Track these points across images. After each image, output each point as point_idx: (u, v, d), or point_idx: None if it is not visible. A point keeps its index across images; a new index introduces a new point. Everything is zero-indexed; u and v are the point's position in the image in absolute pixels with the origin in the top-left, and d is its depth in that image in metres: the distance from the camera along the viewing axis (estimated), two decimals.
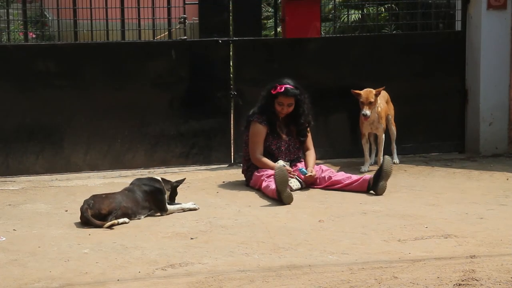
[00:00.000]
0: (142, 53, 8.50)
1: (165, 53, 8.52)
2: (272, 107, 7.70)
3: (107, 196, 6.53)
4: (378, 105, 8.26)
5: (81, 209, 6.40)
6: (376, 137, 8.53)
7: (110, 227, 6.25)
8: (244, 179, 7.86)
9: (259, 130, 7.71)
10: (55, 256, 5.60)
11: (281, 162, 7.55)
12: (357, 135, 8.56)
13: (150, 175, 7.35)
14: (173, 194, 6.85)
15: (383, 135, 8.41)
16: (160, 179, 6.83)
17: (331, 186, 7.58)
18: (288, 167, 7.48)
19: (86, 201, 6.42)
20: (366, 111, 8.13)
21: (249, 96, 8.52)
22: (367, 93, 8.15)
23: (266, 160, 7.65)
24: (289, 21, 8.63)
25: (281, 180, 7.02)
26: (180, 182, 6.92)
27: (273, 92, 7.67)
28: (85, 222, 6.37)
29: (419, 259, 5.43)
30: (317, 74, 8.77)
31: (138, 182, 6.81)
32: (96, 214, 6.35)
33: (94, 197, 6.48)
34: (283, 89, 7.65)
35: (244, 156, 7.88)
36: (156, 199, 6.69)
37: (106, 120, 8.39)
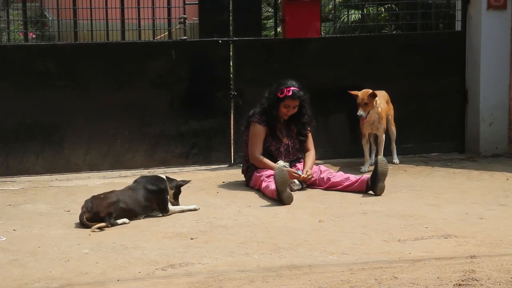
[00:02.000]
0: (142, 53, 8.50)
1: (165, 53, 8.52)
2: (276, 110, 7.68)
3: (105, 196, 6.47)
4: (378, 105, 8.26)
5: (80, 213, 6.38)
6: (376, 137, 8.53)
7: (100, 229, 6.23)
8: (244, 179, 7.86)
9: (259, 131, 7.70)
10: (55, 256, 5.60)
11: (281, 163, 7.54)
12: (357, 135, 8.56)
13: (155, 174, 7.30)
14: (177, 193, 6.83)
15: (384, 135, 8.41)
16: (165, 177, 6.81)
17: (330, 188, 7.57)
18: (289, 168, 7.47)
19: (85, 203, 6.41)
20: (361, 112, 8.14)
21: (249, 96, 8.52)
22: (363, 94, 8.16)
23: (265, 160, 7.64)
24: (289, 21, 8.62)
25: (281, 180, 7.01)
26: (185, 182, 6.91)
27: (280, 95, 7.65)
28: (82, 224, 6.37)
29: (419, 259, 5.43)
30: (317, 74, 8.76)
31: (142, 180, 6.77)
32: (94, 217, 6.33)
33: (93, 198, 6.45)
34: (290, 92, 7.62)
35: (244, 156, 7.87)
36: (159, 199, 6.67)
37: (106, 120, 8.39)
